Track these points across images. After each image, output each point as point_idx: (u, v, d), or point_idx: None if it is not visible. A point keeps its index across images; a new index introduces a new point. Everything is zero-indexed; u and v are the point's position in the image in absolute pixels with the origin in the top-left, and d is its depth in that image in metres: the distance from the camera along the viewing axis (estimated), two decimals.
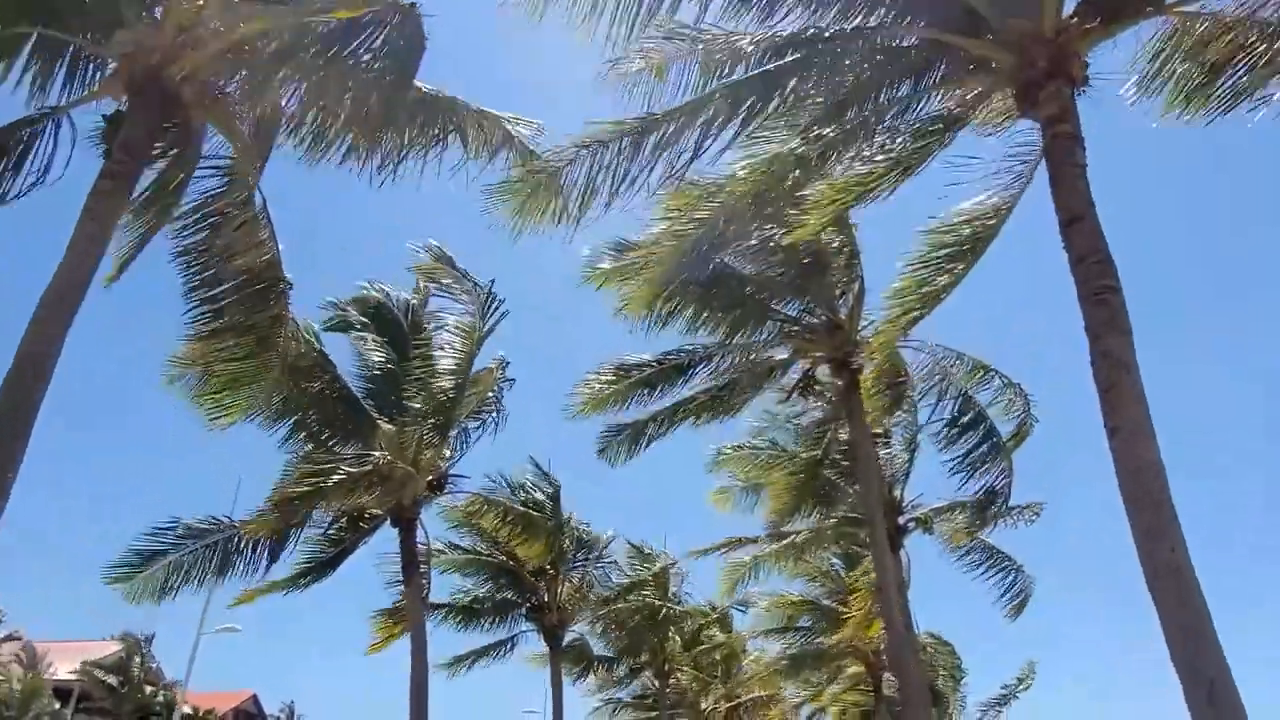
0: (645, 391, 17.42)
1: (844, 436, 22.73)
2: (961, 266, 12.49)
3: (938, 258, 12.53)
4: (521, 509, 18.32)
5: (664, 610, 23.63)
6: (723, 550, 22.39)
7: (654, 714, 32.21)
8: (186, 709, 61.17)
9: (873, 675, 28.42)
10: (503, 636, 24.32)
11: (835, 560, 29.22)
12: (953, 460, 16.62)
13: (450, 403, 16.49)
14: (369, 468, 14.69)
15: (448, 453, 17.79)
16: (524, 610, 23.42)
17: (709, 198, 11.91)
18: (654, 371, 17.17)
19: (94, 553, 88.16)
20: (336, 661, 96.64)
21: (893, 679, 32.67)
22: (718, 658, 34.77)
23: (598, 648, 30.18)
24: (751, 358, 18.13)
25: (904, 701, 14.10)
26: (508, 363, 18.48)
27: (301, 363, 16.29)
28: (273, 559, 16.68)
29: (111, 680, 54.72)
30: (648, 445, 18.35)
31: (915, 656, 14.58)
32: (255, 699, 73.52)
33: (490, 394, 18.03)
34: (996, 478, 16.25)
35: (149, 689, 56.31)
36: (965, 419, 16.32)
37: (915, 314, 14.18)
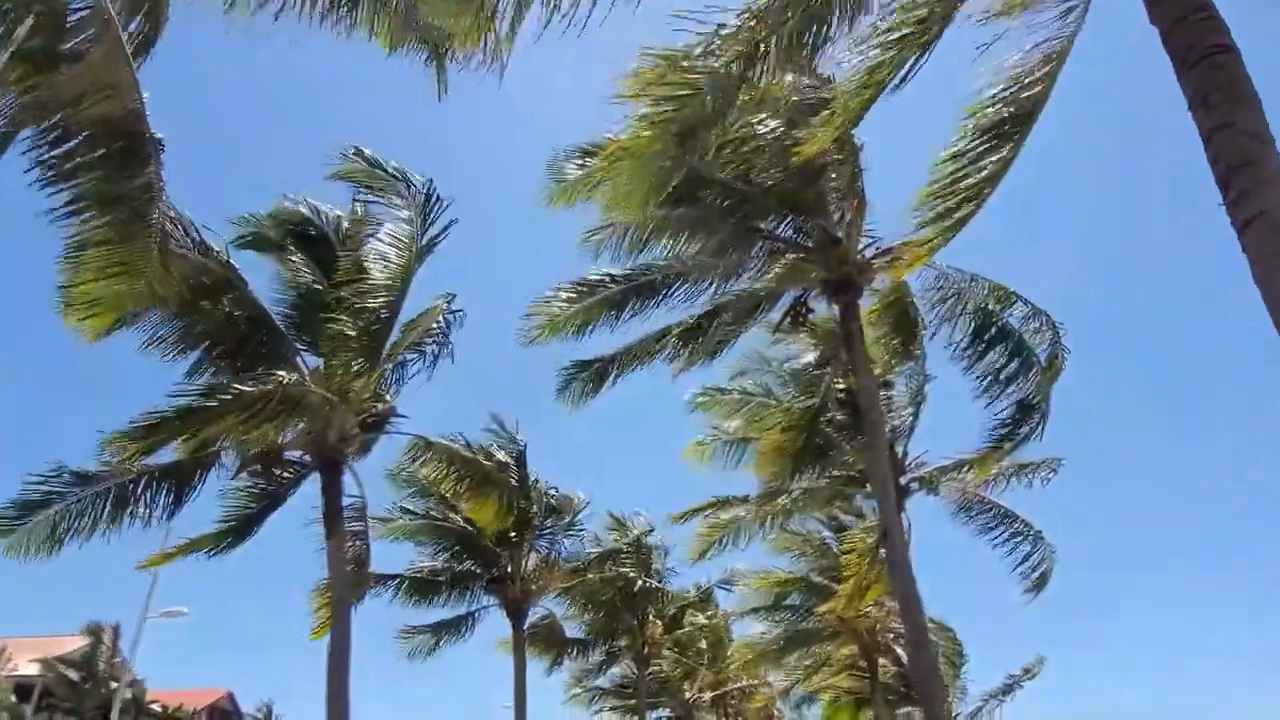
0: (612, 315, 14.73)
1: (841, 385, 20.17)
2: (1009, 148, 9.79)
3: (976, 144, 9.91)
4: (468, 454, 15.48)
5: (640, 583, 20.72)
6: (707, 512, 19.59)
7: (633, 703, 29.32)
8: (156, 706, 58.23)
9: (867, 658, 25.63)
10: (462, 612, 21.38)
11: (827, 533, 26.49)
12: (977, 380, 13.90)
13: (382, 324, 13.69)
14: (269, 387, 11.85)
15: (384, 392, 14.99)
16: (484, 582, 20.54)
17: (690, 65, 9.24)
18: (623, 289, 14.45)
19: None
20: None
21: (891, 659, 29.98)
22: (703, 645, 32.00)
23: (572, 630, 27.39)
24: (734, 282, 15.42)
25: (918, 673, 11.36)
26: (453, 296, 15.66)
27: (206, 279, 13.53)
28: (176, 502, 13.87)
29: (74, 675, 51.58)
30: (614, 383, 15.61)
31: (925, 626, 11.82)
32: (231, 697, 70.57)
33: (435, 326, 15.21)
34: (1031, 394, 13.51)
35: (114, 684, 53.28)
36: (990, 333, 13.62)
37: (964, 212, 11.68)
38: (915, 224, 12.71)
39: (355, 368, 13.94)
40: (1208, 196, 5.60)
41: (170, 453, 12.93)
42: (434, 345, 15.37)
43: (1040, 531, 20.26)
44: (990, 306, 13.79)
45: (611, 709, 31.81)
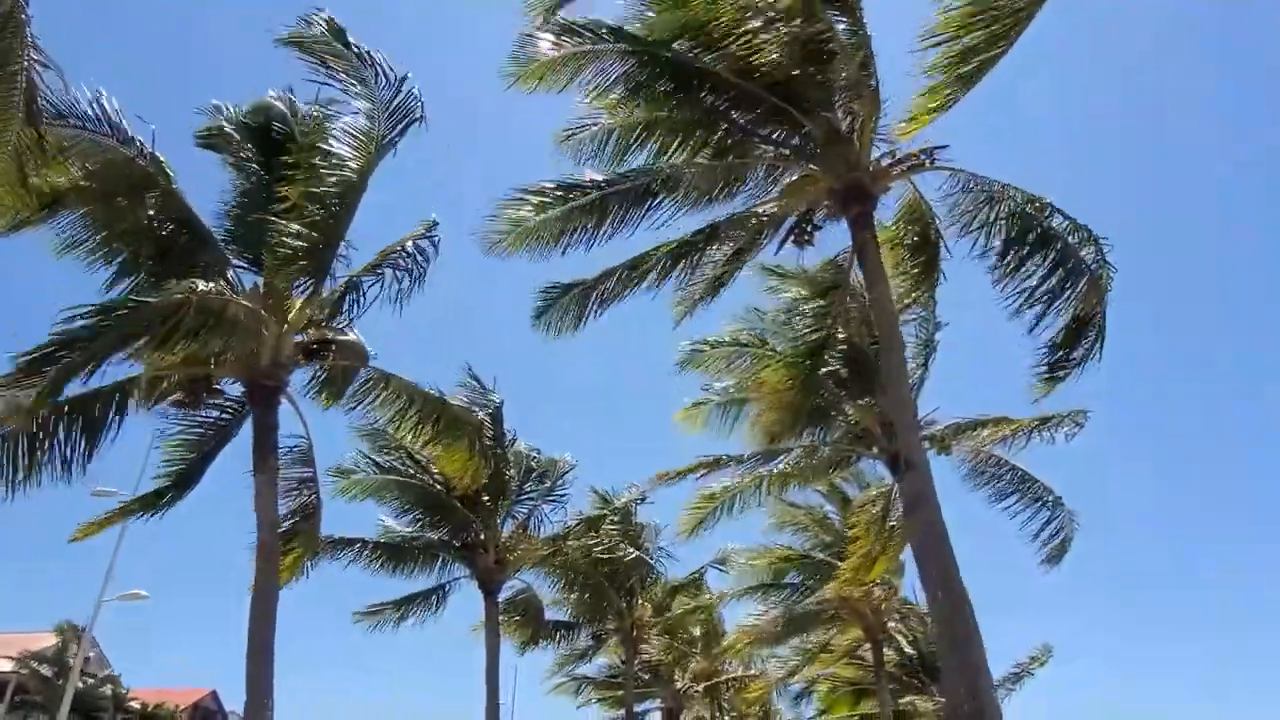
0: (592, 226, 12.63)
1: (842, 337, 18.11)
2: None
3: None
4: (432, 393, 13.38)
5: (624, 551, 18.50)
6: (699, 473, 17.48)
7: (620, 693, 27.09)
8: (135, 704, 55.82)
9: (872, 640, 23.46)
10: (432, 584, 19.22)
11: (830, 507, 24.39)
12: (1015, 296, 11.79)
13: (329, 235, 11.62)
14: (180, 298, 9.77)
15: (335, 316, 12.92)
16: (454, 550, 18.39)
17: None
18: (605, 195, 12.40)
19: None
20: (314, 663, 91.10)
21: (894, 648, 27.84)
22: (697, 632, 29.76)
23: (557, 615, 25.19)
24: (733, 197, 13.42)
25: (946, 613, 9.27)
26: (435, 224, 13.58)
27: (126, 171, 11.48)
28: (90, 446, 11.68)
29: (46, 671, 49.21)
30: (599, 310, 13.51)
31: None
32: (215, 695, 68.04)
33: (402, 249, 13.12)
34: (1084, 308, 11.40)
35: (89, 681, 50.85)
36: (1030, 237, 11.55)
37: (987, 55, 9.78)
38: (927, 70, 10.88)
39: (295, 281, 11.88)
40: None
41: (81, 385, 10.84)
42: (400, 270, 13.25)
43: (1060, 497, 18.24)
44: (1029, 211, 11.73)
45: (599, 700, 29.56)
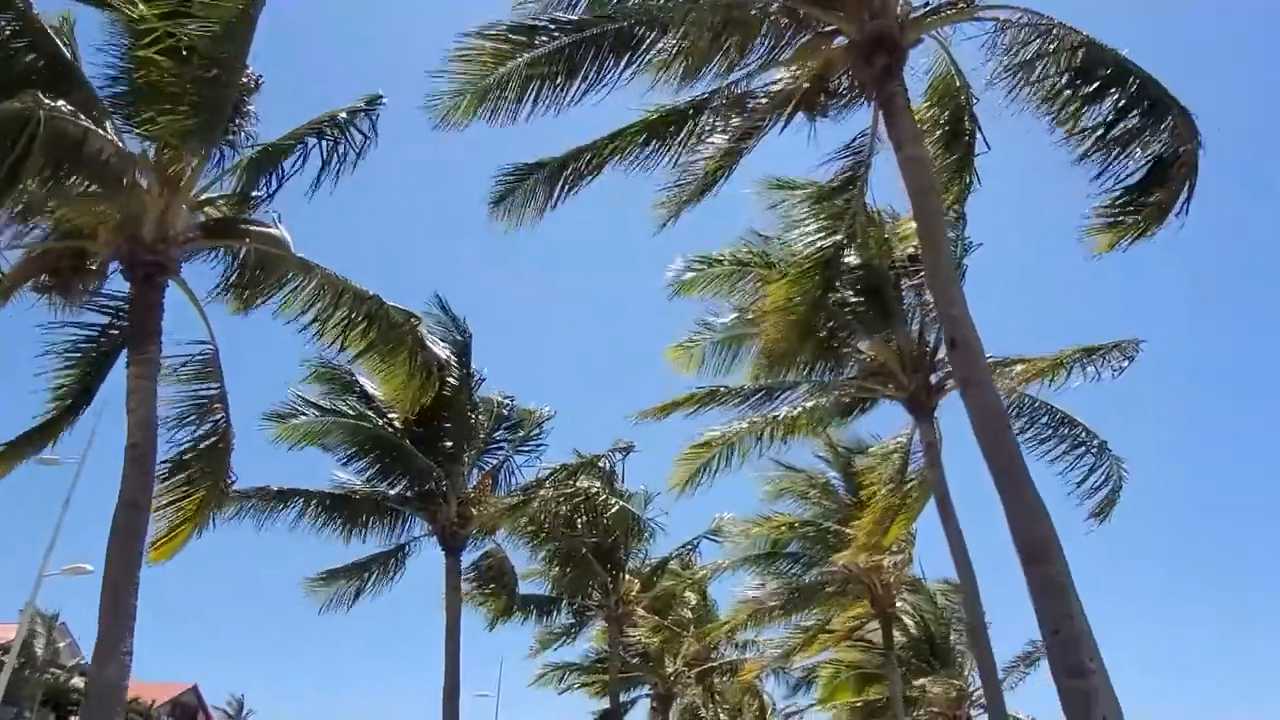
0: (560, 81, 10.09)
1: (856, 263, 15.61)
2: None
3: None
4: (366, 291, 10.84)
5: (607, 506, 15.76)
6: (691, 409, 14.90)
7: (607, 678, 24.45)
8: None
9: (882, 614, 20.88)
10: (389, 547, 16.59)
11: (833, 474, 21.82)
12: (1082, 138, 9.23)
13: (216, 75, 9.07)
14: (24, 106, 7.25)
15: (243, 195, 10.41)
16: (412, 503, 15.78)
17: None
18: (576, 41, 9.86)
19: None
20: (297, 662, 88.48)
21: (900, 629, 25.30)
22: (688, 612, 27.12)
23: (534, 587, 22.57)
24: (733, 65, 10.94)
25: (1020, 515, 6.68)
26: (380, 98, 11.03)
27: None
28: None
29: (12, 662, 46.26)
30: (568, 194, 11.01)
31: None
32: (196, 690, 65.52)
33: (334, 120, 10.59)
34: (1171, 142, 8.83)
35: (57, 672, 48.15)
36: (1101, 72, 9.00)
37: None
38: None
39: (186, 140, 9.32)
40: None
41: None
42: (328, 143, 10.70)
43: (1105, 442, 15.69)
44: (1096, 43, 9.20)
45: (583, 685, 26.91)
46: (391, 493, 16.04)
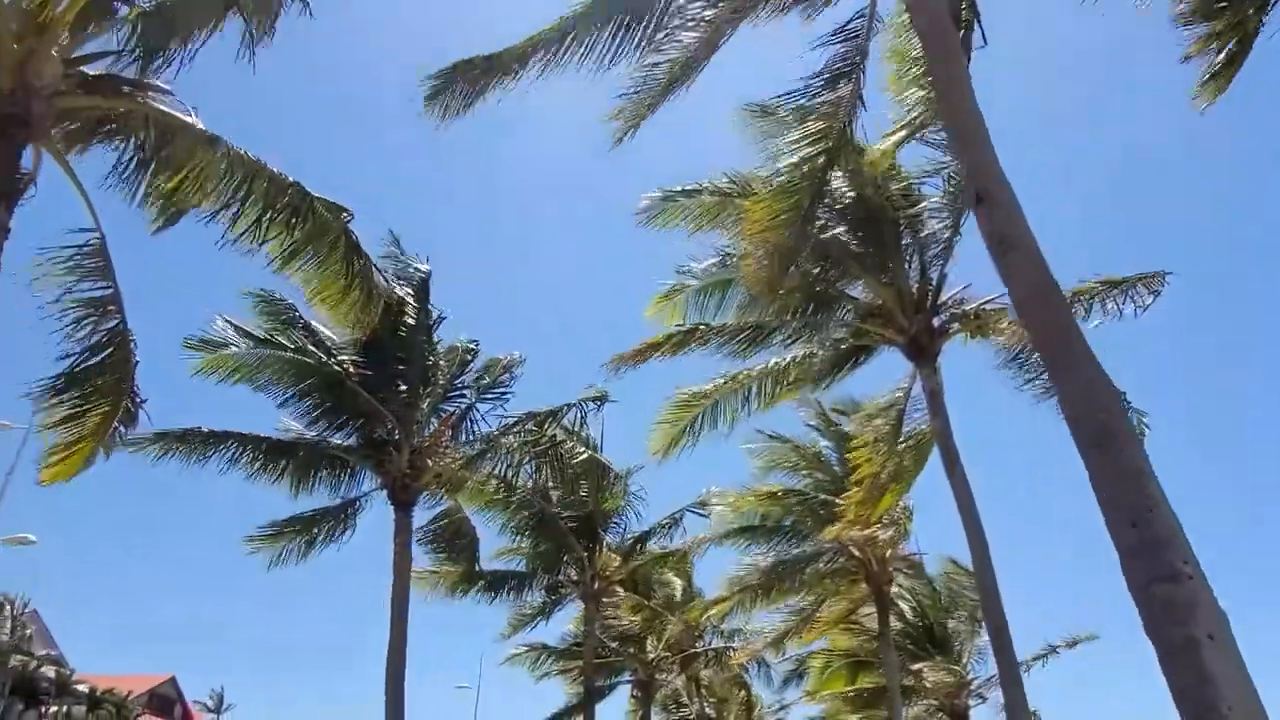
0: None
1: (848, 190, 13.91)
2: None
3: None
4: (286, 177, 9.08)
5: (570, 449, 13.84)
6: (668, 352, 13.14)
7: (580, 663, 22.58)
8: (82, 688, 51.03)
9: (877, 595, 19.10)
10: (337, 502, 14.76)
11: (825, 443, 20.08)
12: None
13: None
14: None
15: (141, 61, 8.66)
16: (359, 449, 13.97)
17: None
18: None
19: None
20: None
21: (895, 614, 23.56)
22: (675, 593, 25.23)
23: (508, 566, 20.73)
24: None
25: (1076, 397, 4.90)
26: None
27: None
28: None
29: None
30: (510, 83, 9.30)
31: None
32: (174, 681, 63.32)
33: None
34: None
35: (26, 659, 46.04)
36: None
37: None
38: None
39: None
40: None
41: None
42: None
43: (1124, 393, 13.96)
44: None
45: (561, 672, 25.04)
46: (335, 440, 14.22)
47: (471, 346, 15.55)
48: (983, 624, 24.05)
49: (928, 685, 23.75)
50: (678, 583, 26.11)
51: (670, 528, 21.13)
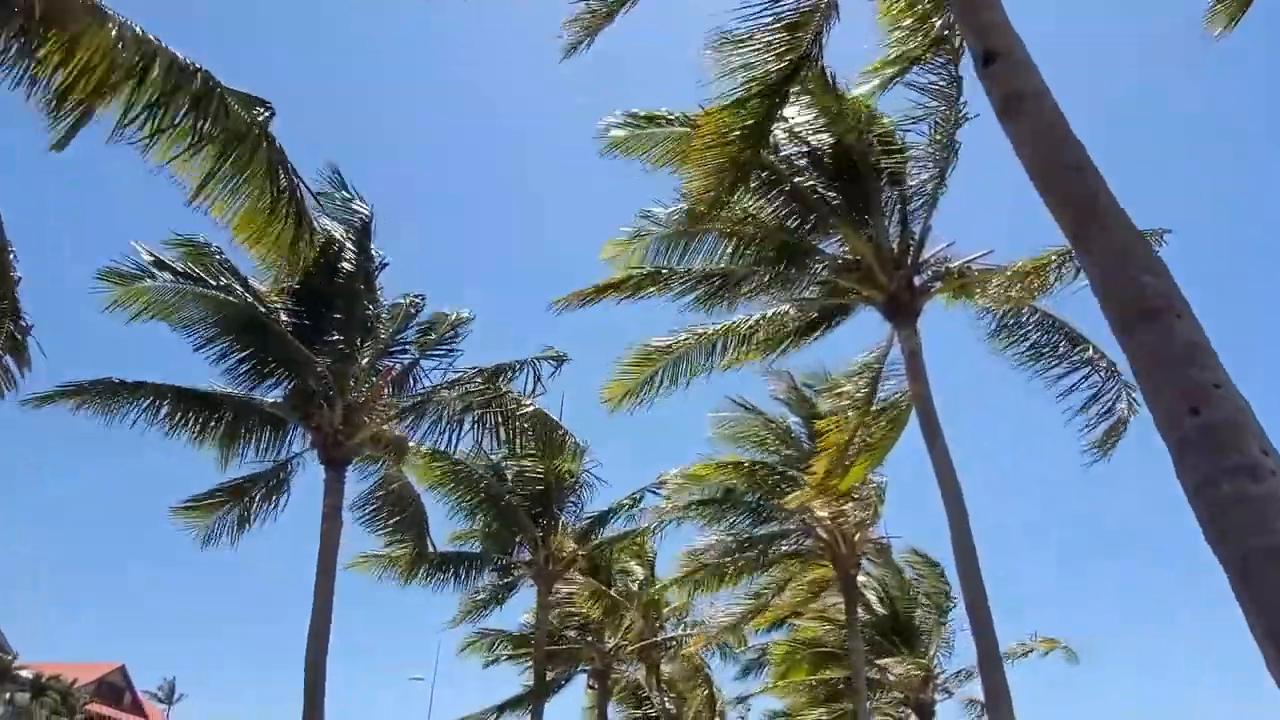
0: None
1: (826, 141, 12.87)
2: None
3: None
4: (189, 63, 7.80)
5: (516, 401, 12.56)
6: (623, 294, 11.98)
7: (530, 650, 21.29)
8: (26, 674, 48.96)
9: (844, 579, 18.02)
10: (268, 466, 13.41)
11: (794, 418, 19.02)
12: None
13: None
14: None
15: None
16: (281, 395, 12.65)
17: None
18: None
19: None
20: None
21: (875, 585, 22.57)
22: (634, 583, 24.05)
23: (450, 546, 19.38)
24: None
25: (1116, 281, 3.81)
26: None
27: None
28: None
29: None
30: None
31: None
32: (123, 670, 61.23)
33: None
34: None
35: None
36: None
37: None
38: None
39: None
40: None
41: None
42: None
43: (1114, 363, 13.05)
44: None
45: (512, 658, 23.73)
46: (261, 393, 12.88)
47: (417, 300, 14.28)
48: (950, 617, 23.26)
49: (893, 678, 22.75)
50: (639, 571, 24.96)
51: (630, 508, 19.98)
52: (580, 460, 19.97)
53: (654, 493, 19.89)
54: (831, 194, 13.14)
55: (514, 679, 25.28)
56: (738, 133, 9.67)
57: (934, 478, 11.56)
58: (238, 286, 12.19)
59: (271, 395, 12.88)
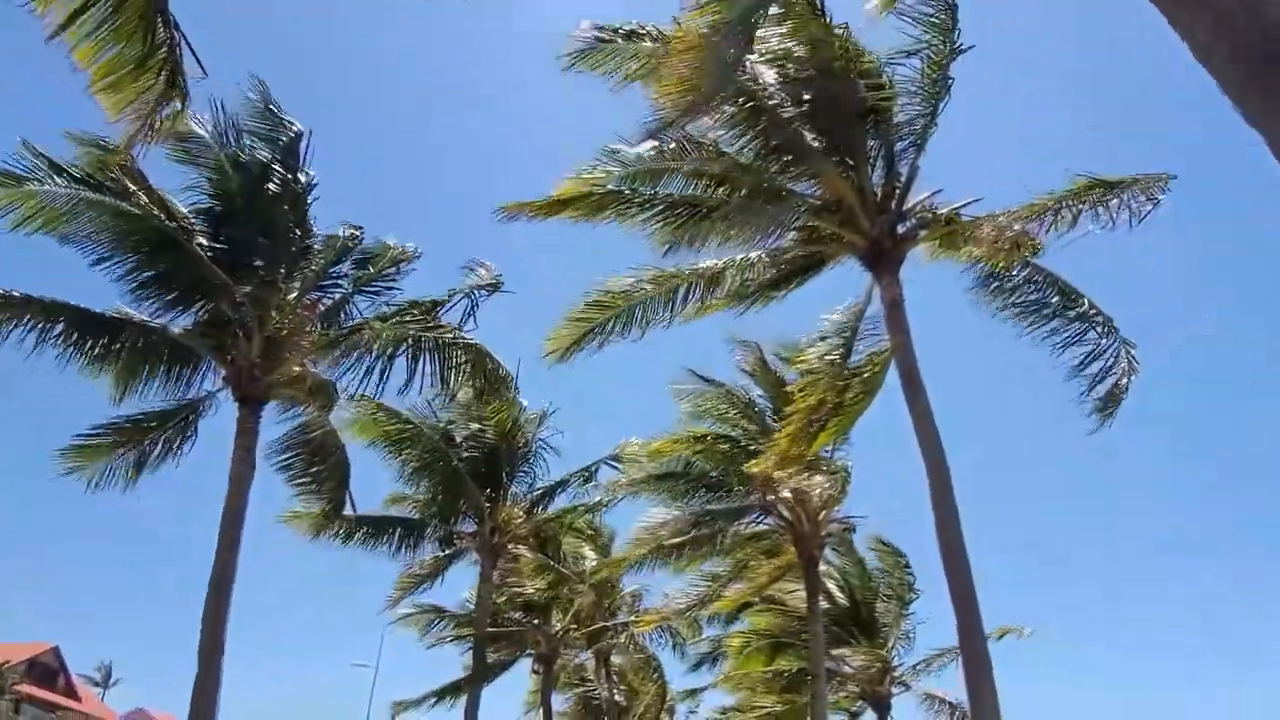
0: None
1: (809, 69, 11.67)
2: None
3: None
4: None
5: (453, 334, 11.06)
6: (579, 212, 10.62)
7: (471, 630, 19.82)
8: None
9: (807, 561, 16.82)
10: (173, 405, 11.84)
11: (757, 392, 17.79)
12: None
13: None
14: None
15: None
16: (191, 322, 11.13)
17: None
18: None
19: None
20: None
21: (835, 575, 21.42)
22: (586, 560, 22.63)
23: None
24: None
25: None
26: None
27: None
28: None
29: None
30: None
31: None
32: (56, 651, 58.23)
33: None
34: None
35: None
36: None
37: None
38: None
39: None
40: None
41: None
42: None
43: (1111, 319, 11.99)
44: None
45: (456, 637, 22.22)
46: (168, 320, 11.32)
47: (356, 232, 12.80)
48: (911, 609, 22.18)
49: (849, 669, 21.62)
50: (591, 555, 23.60)
51: (584, 481, 18.60)
52: (535, 427, 18.67)
53: (611, 465, 18.58)
54: (812, 133, 11.93)
55: (460, 666, 23.88)
56: (724, 27, 8.40)
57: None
58: (143, 197, 10.64)
59: (173, 318, 11.30)
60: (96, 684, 66.10)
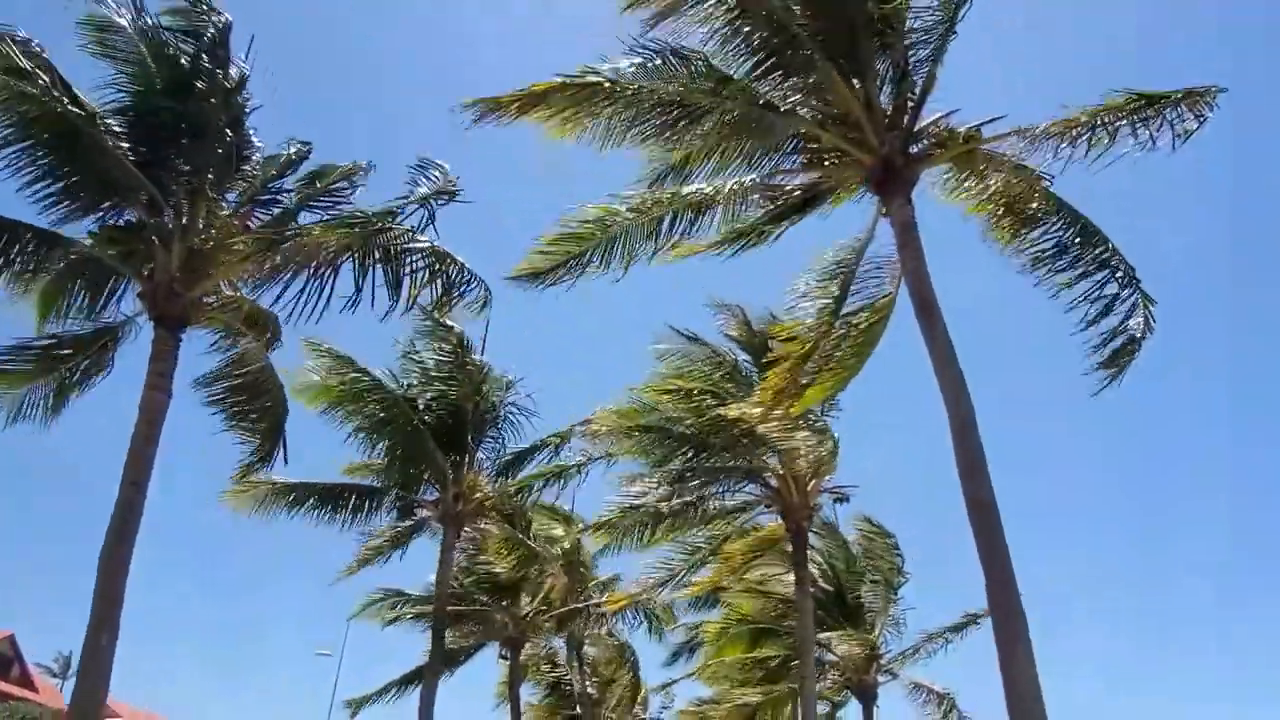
0: None
1: None
2: None
3: None
4: None
5: (408, 236, 9.49)
6: (555, 109, 9.11)
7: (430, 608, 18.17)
8: None
9: (795, 533, 15.38)
10: (88, 329, 10.20)
11: (744, 356, 16.34)
12: None
13: None
14: None
15: None
16: (96, 225, 9.51)
17: None
18: None
19: None
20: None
21: (819, 559, 20.03)
22: (560, 538, 21.04)
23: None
24: None
25: None
26: None
27: None
28: None
29: None
30: None
31: None
32: (12, 640, 55.44)
33: None
34: None
35: None
36: None
37: None
38: None
39: None
40: None
41: None
42: None
43: (1133, 268, 10.64)
44: None
45: (413, 617, 20.58)
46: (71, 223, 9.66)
47: (302, 148, 11.20)
48: (900, 594, 20.82)
49: (834, 657, 20.21)
50: (562, 535, 22.03)
51: (556, 445, 17.04)
52: (504, 390, 17.14)
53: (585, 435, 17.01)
54: (813, 42, 10.49)
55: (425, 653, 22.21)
56: None
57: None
58: (44, 77, 9.00)
59: (76, 217, 9.63)
60: (55, 674, 63.57)
